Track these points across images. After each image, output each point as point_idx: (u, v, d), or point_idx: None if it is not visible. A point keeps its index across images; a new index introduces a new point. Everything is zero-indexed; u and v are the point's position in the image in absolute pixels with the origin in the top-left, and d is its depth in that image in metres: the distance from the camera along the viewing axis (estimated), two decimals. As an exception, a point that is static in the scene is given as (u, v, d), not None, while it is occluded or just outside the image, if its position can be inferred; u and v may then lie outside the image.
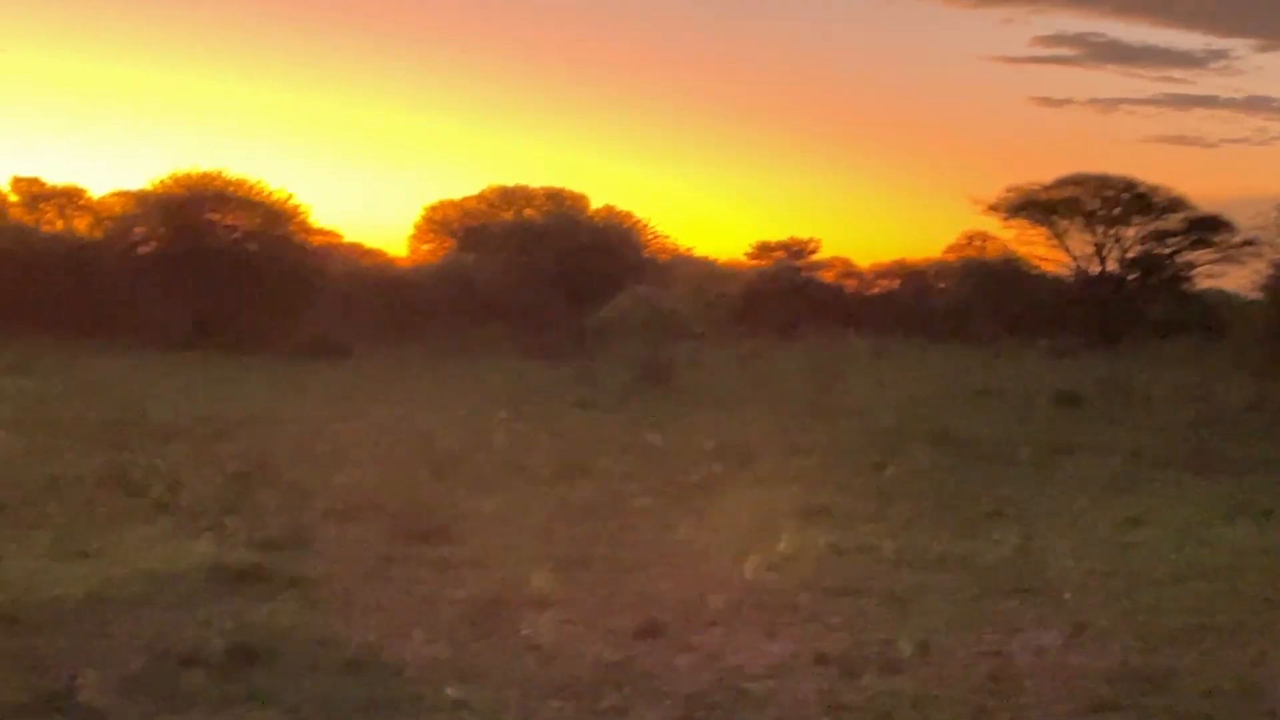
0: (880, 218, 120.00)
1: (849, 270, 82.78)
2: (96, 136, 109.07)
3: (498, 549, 15.77)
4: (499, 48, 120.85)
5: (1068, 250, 72.76)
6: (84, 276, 56.34)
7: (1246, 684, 11.58)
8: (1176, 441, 28.43)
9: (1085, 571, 15.73)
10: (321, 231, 68.99)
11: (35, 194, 70.00)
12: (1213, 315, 65.77)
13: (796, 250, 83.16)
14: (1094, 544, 17.50)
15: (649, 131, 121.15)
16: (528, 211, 74.92)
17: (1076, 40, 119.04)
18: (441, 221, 79.42)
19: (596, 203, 74.55)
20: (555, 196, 76.80)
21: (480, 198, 78.80)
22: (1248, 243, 66.00)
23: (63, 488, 18.82)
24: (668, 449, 25.21)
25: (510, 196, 78.09)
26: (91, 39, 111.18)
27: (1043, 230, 73.01)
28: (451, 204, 79.73)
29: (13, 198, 70.40)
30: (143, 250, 57.33)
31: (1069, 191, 71.48)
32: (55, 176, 74.12)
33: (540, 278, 59.64)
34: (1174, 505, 20.74)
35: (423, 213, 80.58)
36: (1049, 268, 74.14)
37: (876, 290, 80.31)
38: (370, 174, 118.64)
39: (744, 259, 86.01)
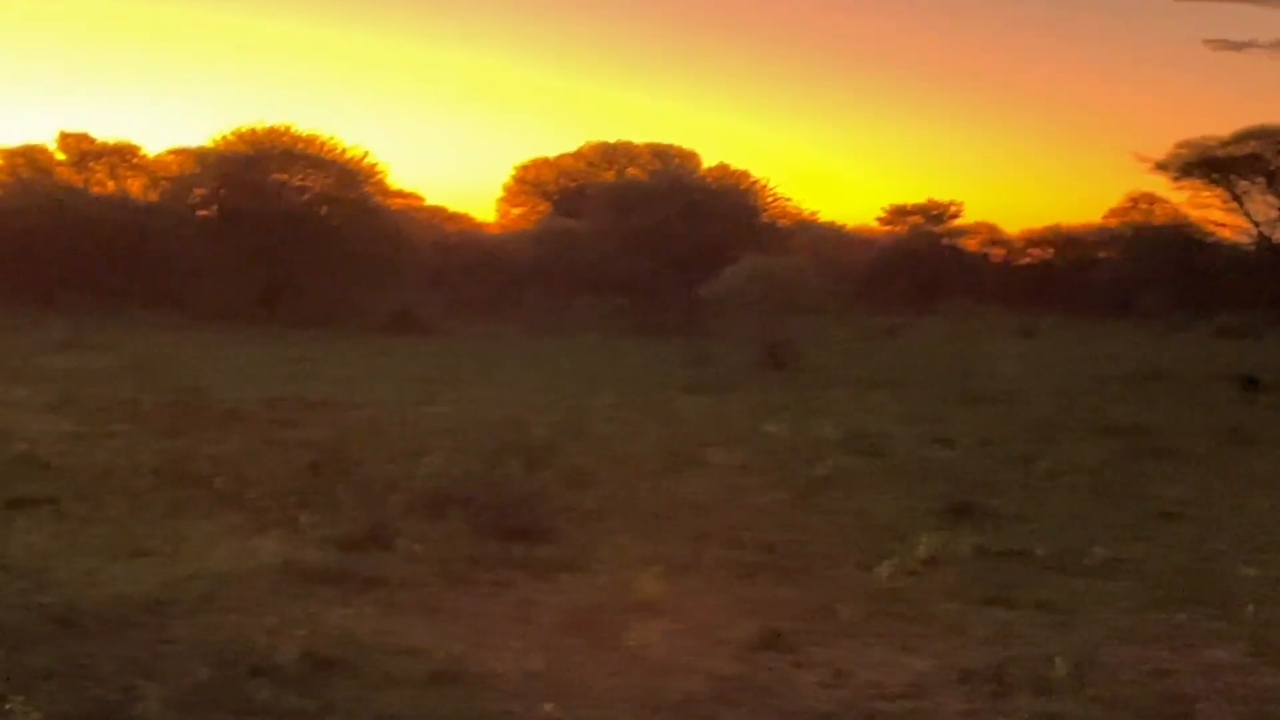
0: (1032, 178, 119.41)
1: (995, 237, 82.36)
2: (151, 87, 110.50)
3: (600, 549, 15.82)
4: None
5: (1248, 215, 71.74)
6: (138, 242, 57.11)
7: None
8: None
9: (1269, 580, 15.54)
10: (401, 193, 69.84)
11: (84, 151, 70.89)
12: None
13: (936, 214, 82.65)
14: (1279, 549, 17.29)
15: (766, 81, 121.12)
16: (631, 171, 75.14)
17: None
18: (534, 182, 79.90)
19: (708, 161, 74.68)
20: (662, 154, 76.93)
21: (578, 155, 79.18)
22: None
23: (117, 479, 19.07)
24: (789, 438, 25.21)
25: (611, 154, 78.37)
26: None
27: (1219, 192, 71.97)
28: (545, 163, 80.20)
29: (59, 155, 71.35)
30: (203, 214, 58.13)
31: (1251, 147, 70.31)
32: (105, 132, 75.11)
33: (645, 245, 59.69)
34: (1371, 506, 20.42)
35: (513, 172, 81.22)
36: (1226, 234, 73.21)
37: (1027, 260, 79.87)
38: (456, 129, 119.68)
39: (875, 224, 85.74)
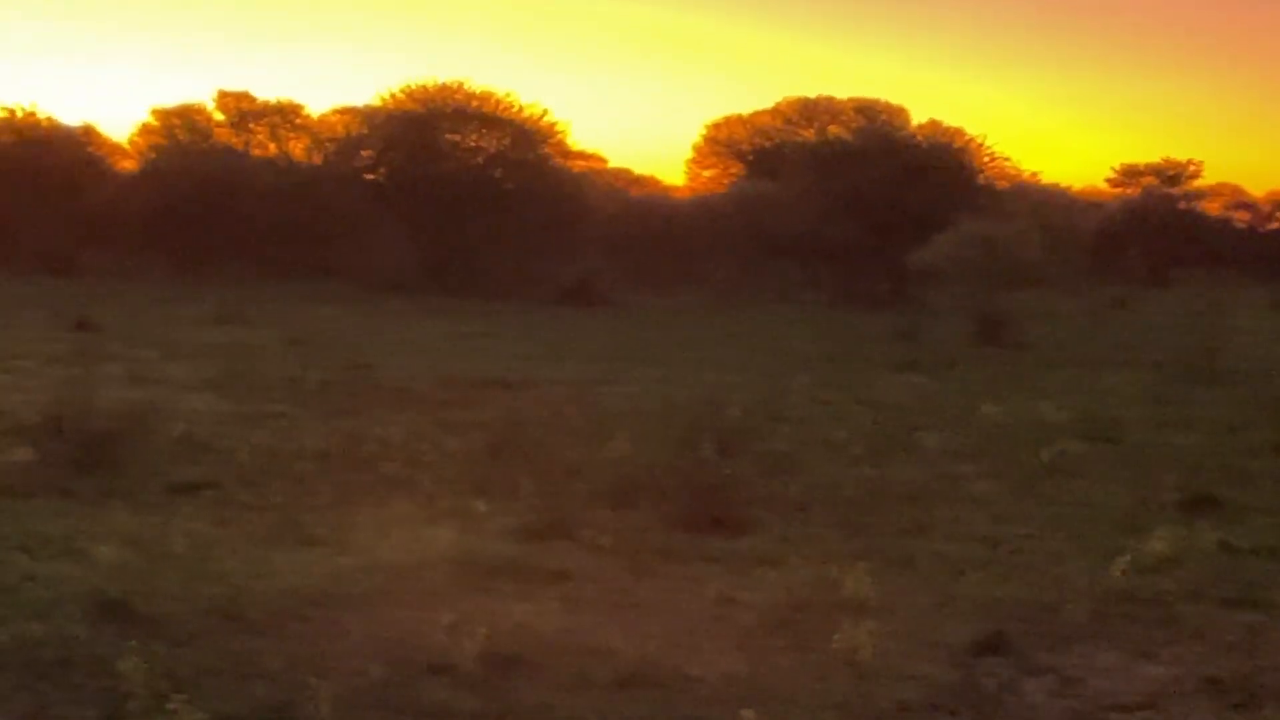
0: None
1: (1240, 200, 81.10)
2: (315, 43, 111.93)
3: (802, 542, 15.82)
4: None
5: None
6: (300, 209, 57.80)
7: None
8: None
9: None
10: (582, 154, 70.17)
11: (244, 111, 72.05)
12: None
13: (1171, 175, 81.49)
14: None
15: (982, 31, 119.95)
16: (833, 128, 74.73)
17: None
18: (726, 142, 79.90)
19: (918, 117, 74.01)
20: (867, 110, 76.45)
21: (775, 112, 78.98)
22: None
23: (281, 462, 19.39)
24: (1009, 422, 25.01)
25: (811, 110, 78.04)
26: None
27: None
28: (739, 120, 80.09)
29: (218, 116, 72.62)
30: (369, 177, 58.79)
31: None
32: (267, 90, 76.25)
33: (849, 209, 59.41)
34: None
35: (704, 131, 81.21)
36: None
37: (1276, 225, 78.37)
38: (641, 85, 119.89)
39: (1104, 186, 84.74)
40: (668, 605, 13.42)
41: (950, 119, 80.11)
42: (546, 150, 60.17)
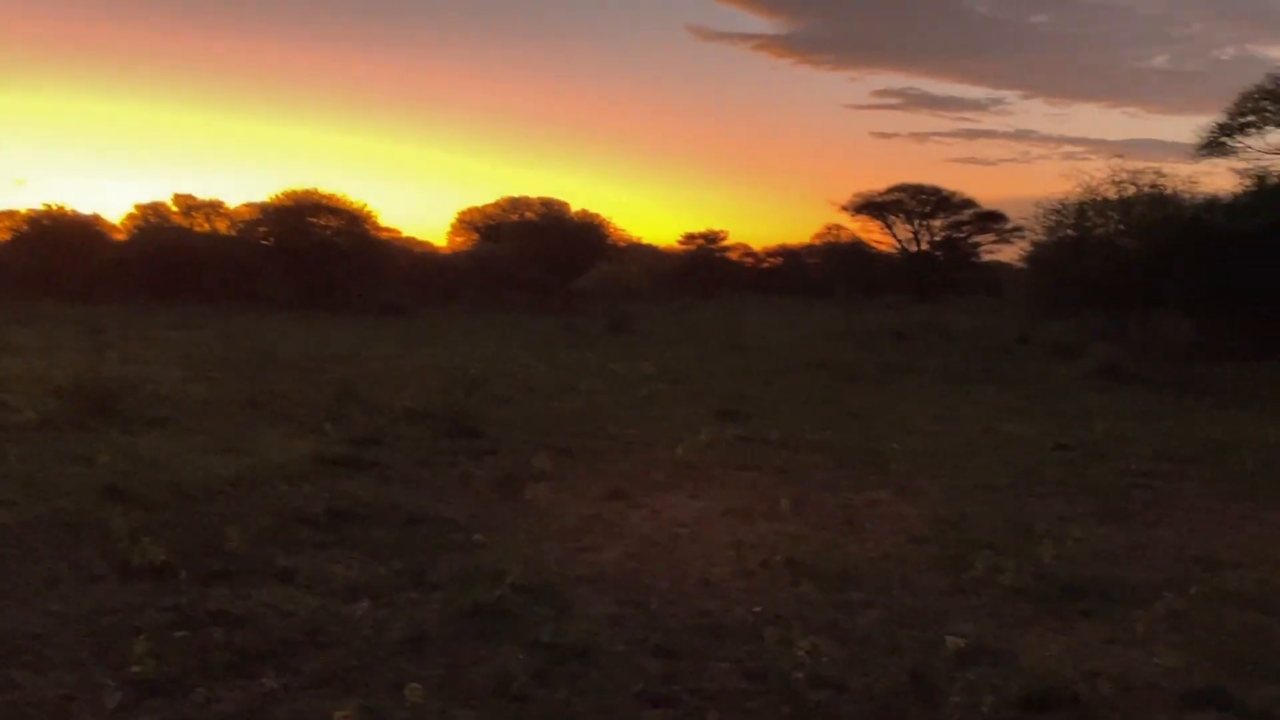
0: (768, 215, 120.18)
1: (748, 251, 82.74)
2: (233, 165, 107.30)
3: (511, 443, 15.76)
4: (511, 108, 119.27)
5: (895, 236, 73.17)
6: (225, 262, 55.67)
7: (1014, 521, 11.73)
8: (971, 364, 28.59)
9: (909, 451, 15.84)
10: (387, 229, 68.41)
11: (190, 205, 69.13)
12: (993, 279, 66.29)
13: (712, 238, 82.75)
14: (914, 433, 17.60)
15: (611, 158, 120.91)
16: (528, 214, 74.29)
17: (901, 93, 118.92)
18: (469, 222, 78.94)
19: (576, 206, 74.01)
20: (549, 203, 76.19)
21: (496, 205, 78.23)
22: (1016, 229, 66.82)
23: (214, 406, 18.63)
24: (627, 373, 25.22)
25: (517, 204, 77.43)
26: (239, 99, 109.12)
27: (878, 223, 73.28)
28: (476, 210, 79.15)
29: (173, 208, 69.77)
30: (265, 244, 56.76)
31: (896, 196, 71.77)
32: (203, 193, 72.77)
33: (539, 259, 59.25)
34: (970, 406, 20.86)
35: (456, 216, 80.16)
36: (883, 248, 74.41)
37: (767, 265, 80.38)
38: (419, 191, 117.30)
39: (676, 244, 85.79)
40: (435, 479, 13.24)
41: (594, 208, 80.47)
42: (367, 227, 58.65)
